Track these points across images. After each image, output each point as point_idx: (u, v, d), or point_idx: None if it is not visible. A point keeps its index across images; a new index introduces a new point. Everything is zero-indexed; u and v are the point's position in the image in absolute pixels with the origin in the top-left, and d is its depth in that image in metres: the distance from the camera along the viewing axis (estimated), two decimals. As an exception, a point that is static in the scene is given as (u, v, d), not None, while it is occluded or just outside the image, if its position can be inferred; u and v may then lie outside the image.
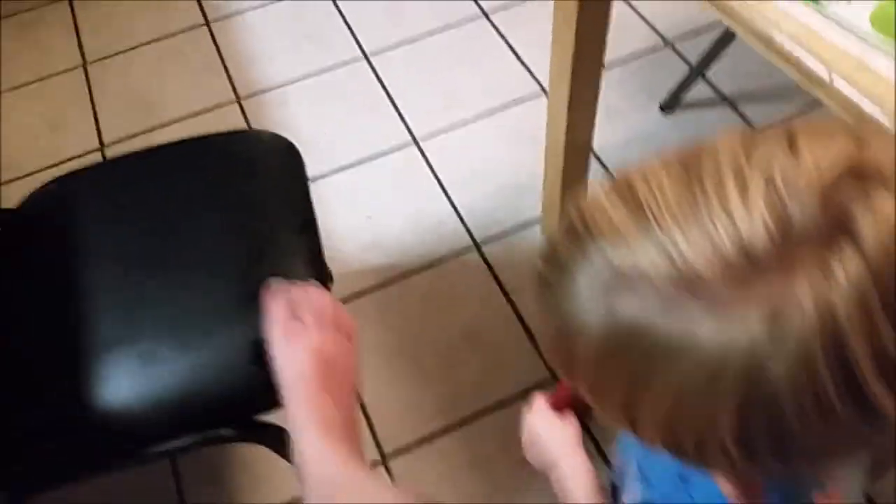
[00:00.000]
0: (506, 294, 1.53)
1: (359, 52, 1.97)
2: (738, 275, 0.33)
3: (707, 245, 0.34)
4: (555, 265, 0.40)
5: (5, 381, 0.96)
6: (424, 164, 1.75)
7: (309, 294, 0.74)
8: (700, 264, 0.34)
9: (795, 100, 1.75)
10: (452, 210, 1.67)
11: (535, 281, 0.42)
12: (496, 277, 1.56)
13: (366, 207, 1.69)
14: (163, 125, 1.87)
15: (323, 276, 1.05)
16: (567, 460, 0.73)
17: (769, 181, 0.34)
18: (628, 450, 0.69)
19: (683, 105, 1.80)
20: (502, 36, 1.96)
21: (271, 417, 0.97)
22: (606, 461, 1.31)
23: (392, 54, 1.96)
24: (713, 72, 1.80)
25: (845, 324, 0.32)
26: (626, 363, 0.37)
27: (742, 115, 1.78)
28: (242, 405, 0.93)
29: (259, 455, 1.34)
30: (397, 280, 1.58)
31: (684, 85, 1.78)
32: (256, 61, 1.98)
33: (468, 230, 1.64)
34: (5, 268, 1.09)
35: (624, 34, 1.87)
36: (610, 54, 1.28)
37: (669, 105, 1.80)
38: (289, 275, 1.01)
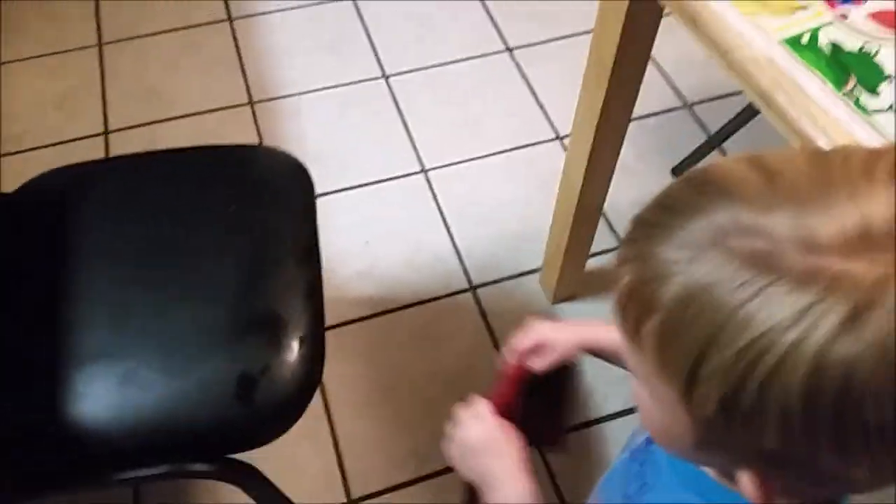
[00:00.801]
0: (495, 343, 1.51)
1: (378, 70, 1.94)
2: (852, 248, 0.35)
3: (830, 218, 0.36)
4: (667, 209, 0.42)
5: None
6: (430, 194, 1.73)
7: None
8: (820, 230, 0.36)
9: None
10: (452, 247, 1.64)
11: (629, 229, 0.44)
12: (487, 324, 1.53)
13: (365, 232, 1.66)
14: (171, 118, 1.83)
15: (320, 311, 1.01)
16: (512, 483, 0.69)
17: (892, 180, 0.37)
18: (612, 487, 0.67)
19: (696, 172, 1.79)
20: (523, 74, 1.95)
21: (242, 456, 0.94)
22: (556, 489, 1.30)
23: (411, 77, 1.94)
24: (730, 141, 1.78)
25: None
26: (710, 313, 0.38)
27: (753, 190, 1.77)
28: (219, 441, 0.90)
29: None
30: (387, 312, 1.55)
31: (699, 153, 1.77)
32: (274, 66, 1.95)
33: (465, 270, 1.61)
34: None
35: (644, 90, 1.86)
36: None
37: (681, 170, 1.78)
38: (284, 306, 0.99)
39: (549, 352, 0.79)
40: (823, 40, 0.86)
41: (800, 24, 0.88)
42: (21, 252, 1.05)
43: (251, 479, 0.94)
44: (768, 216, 0.37)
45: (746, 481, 0.45)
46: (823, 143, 0.79)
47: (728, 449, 0.44)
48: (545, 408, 0.83)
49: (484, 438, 0.73)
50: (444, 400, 1.44)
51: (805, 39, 0.86)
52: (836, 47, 0.85)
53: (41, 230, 1.08)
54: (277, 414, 0.90)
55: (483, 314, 1.55)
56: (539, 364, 0.79)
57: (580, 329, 0.81)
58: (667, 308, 0.40)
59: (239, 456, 0.93)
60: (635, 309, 0.43)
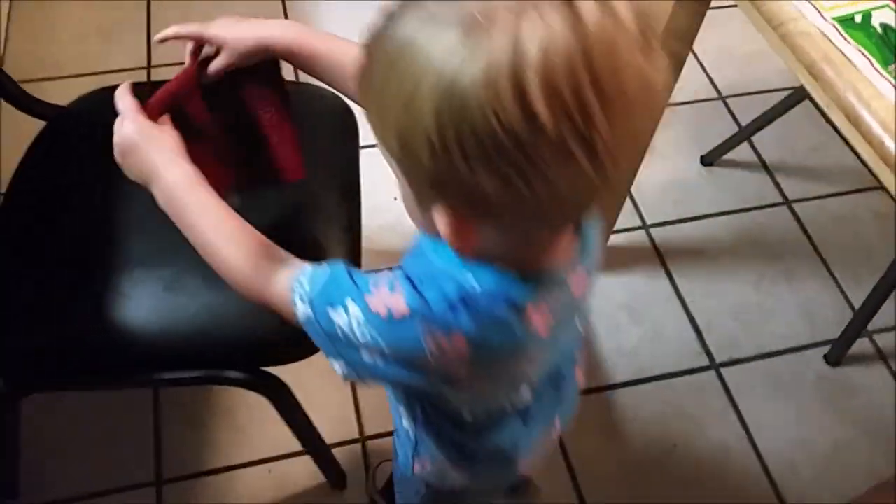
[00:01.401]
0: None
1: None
2: (491, 9, 0.44)
3: None
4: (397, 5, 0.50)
5: (28, 275, 0.96)
6: (461, 158, 1.75)
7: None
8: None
9: (835, 182, 1.77)
10: (479, 210, 1.67)
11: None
12: (508, 286, 1.56)
13: (394, 187, 1.68)
14: (213, 60, 1.85)
15: (357, 246, 1.04)
16: (172, 168, 0.71)
17: None
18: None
19: (724, 162, 1.81)
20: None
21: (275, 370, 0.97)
22: (576, 487, 1.32)
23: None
24: (759, 136, 1.81)
25: (529, 59, 0.43)
26: (385, 55, 0.48)
27: (777, 185, 1.79)
28: (255, 353, 0.93)
29: (241, 405, 1.34)
30: (408, 267, 1.57)
31: (729, 144, 1.79)
32: (320, 18, 1.97)
33: (489, 234, 1.63)
34: (48, 163, 1.08)
35: (680, 80, 1.88)
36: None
37: (710, 159, 1.81)
38: (325, 236, 1.02)
39: (225, 52, 0.79)
40: (876, 21, 0.89)
41: (855, 4, 0.91)
42: (76, 161, 1.09)
43: (279, 392, 0.97)
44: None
45: (440, 220, 0.52)
46: (867, 116, 0.82)
47: (421, 189, 0.52)
48: (225, 115, 0.84)
49: (136, 135, 0.73)
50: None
51: (858, 19, 0.89)
52: (887, 28, 0.88)
53: (95, 142, 1.10)
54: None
55: (503, 278, 1.57)
56: (215, 66, 0.80)
57: (256, 28, 0.79)
58: (369, 61, 0.50)
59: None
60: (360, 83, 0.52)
